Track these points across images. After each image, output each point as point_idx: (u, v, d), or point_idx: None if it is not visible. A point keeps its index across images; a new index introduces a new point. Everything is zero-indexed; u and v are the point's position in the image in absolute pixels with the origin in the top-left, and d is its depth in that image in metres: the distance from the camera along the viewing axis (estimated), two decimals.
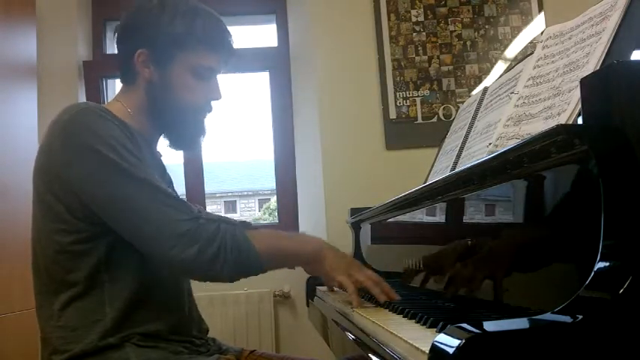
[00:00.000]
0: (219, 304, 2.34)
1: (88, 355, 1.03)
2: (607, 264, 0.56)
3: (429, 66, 2.45)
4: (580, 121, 0.64)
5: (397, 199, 1.31)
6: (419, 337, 0.69)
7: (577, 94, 0.86)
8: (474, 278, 0.92)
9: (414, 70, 2.45)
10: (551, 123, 0.90)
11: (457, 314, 0.88)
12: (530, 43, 2.44)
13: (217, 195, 17.63)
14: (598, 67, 0.86)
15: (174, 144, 1.25)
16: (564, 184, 0.69)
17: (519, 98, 1.07)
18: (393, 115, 2.42)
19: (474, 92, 2.22)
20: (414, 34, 2.46)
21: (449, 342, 0.51)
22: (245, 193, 19.25)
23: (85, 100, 2.54)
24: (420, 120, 2.42)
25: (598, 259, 0.57)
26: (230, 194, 18.75)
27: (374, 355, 0.77)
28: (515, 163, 0.77)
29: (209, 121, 1.25)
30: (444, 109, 2.43)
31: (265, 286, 2.37)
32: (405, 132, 2.41)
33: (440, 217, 1.13)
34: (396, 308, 0.97)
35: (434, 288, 1.09)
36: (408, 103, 2.43)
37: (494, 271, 0.85)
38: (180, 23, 1.16)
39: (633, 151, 0.59)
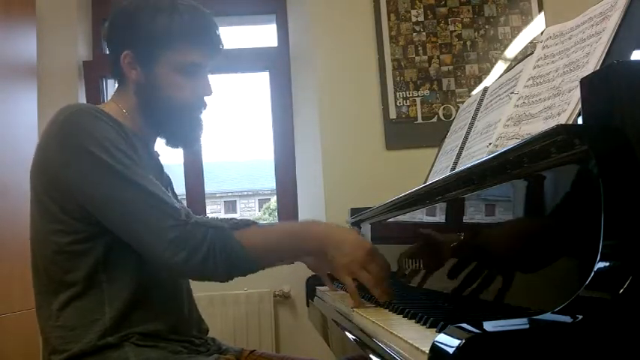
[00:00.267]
0: (219, 304, 2.34)
1: (87, 355, 1.03)
2: (607, 264, 0.56)
3: (429, 66, 2.45)
4: (580, 121, 0.64)
5: (397, 199, 1.31)
6: (419, 337, 0.69)
7: (577, 94, 0.86)
8: (474, 278, 0.92)
9: (414, 70, 2.45)
10: (551, 123, 0.89)
11: (457, 314, 0.88)
12: (530, 43, 2.44)
13: (217, 195, 17.62)
14: (598, 67, 0.86)
15: (170, 142, 1.24)
16: (564, 184, 0.69)
17: (519, 98, 1.07)
18: (393, 115, 2.42)
19: (474, 92, 2.22)
20: (414, 34, 2.46)
21: (449, 342, 0.51)
22: (245, 193, 19.25)
23: (84, 100, 2.54)
24: (420, 120, 2.42)
25: (598, 259, 0.57)
26: (230, 194, 18.74)
27: (374, 355, 0.77)
28: (515, 163, 0.77)
29: (205, 117, 1.24)
30: (444, 109, 2.43)
31: (265, 286, 2.37)
32: (405, 132, 2.41)
33: (440, 217, 1.13)
34: (396, 308, 0.96)
35: (434, 288, 1.09)
36: (408, 103, 2.43)
37: (494, 271, 0.85)
38: (160, 21, 1.14)
39: (633, 151, 0.59)
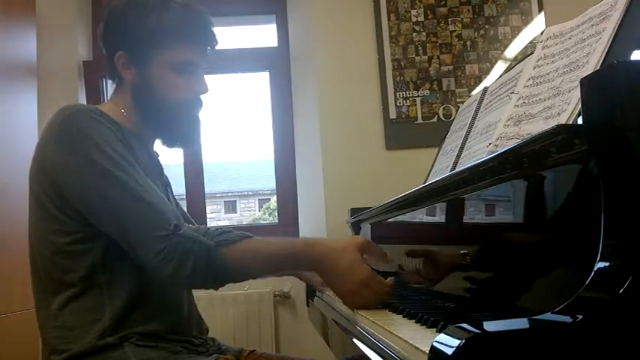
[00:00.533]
0: (219, 304, 2.34)
1: (87, 355, 1.03)
2: (607, 264, 0.56)
3: (429, 66, 2.45)
4: (580, 121, 0.64)
5: (397, 199, 1.31)
6: (419, 337, 0.69)
7: (577, 94, 0.86)
8: (474, 278, 0.92)
9: (414, 70, 2.45)
10: (552, 123, 0.89)
11: (457, 314, 0.88)
12: (530, 43, 2.44)
13: (217, 195, 17.59)
14: (598, 67, 0.86)
15: (167, 142, 1.23)
16: (564, 184, 0.69)
17: (519, 98, 1.07)
18: (393, 115, 2.42)
19: (474, 92, 2.22)
20: (414, 34, 2.46)
21: (449, 342, 0.51)
22: (245, 193, 19.22)
23: (84, 101, 2.55)
24: (420, 120, 2.42)
25: (598, 259, 0.57)
26: (230, 194, 18.72)
27: (374, 354, 0.77)
28: (515, 163, 0.77)
29: (202, 116, 1.23)
30: (444, 109, 2.43)
31: (265, 286, 2.37)
32: (405, 132, 2.41)
33: (440, 217, 1.13)
34: (396, 308, 0.96)
35: (434, 288, 1.09)
36: (408, 103, 2.43)
37: (494, 271, 0.85)
38: (150, 20, 1.13)
39: (633, 151, 0.59)
